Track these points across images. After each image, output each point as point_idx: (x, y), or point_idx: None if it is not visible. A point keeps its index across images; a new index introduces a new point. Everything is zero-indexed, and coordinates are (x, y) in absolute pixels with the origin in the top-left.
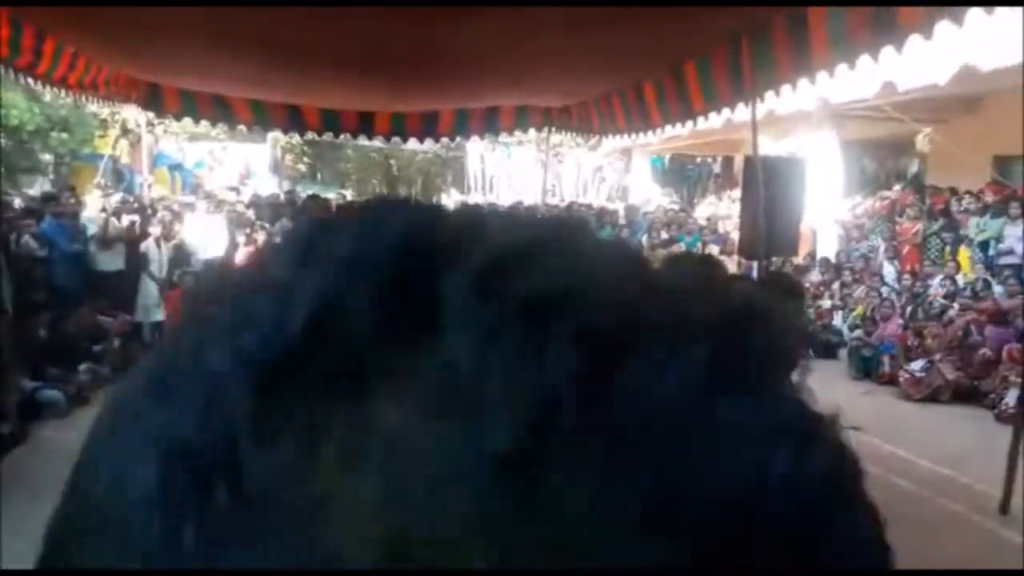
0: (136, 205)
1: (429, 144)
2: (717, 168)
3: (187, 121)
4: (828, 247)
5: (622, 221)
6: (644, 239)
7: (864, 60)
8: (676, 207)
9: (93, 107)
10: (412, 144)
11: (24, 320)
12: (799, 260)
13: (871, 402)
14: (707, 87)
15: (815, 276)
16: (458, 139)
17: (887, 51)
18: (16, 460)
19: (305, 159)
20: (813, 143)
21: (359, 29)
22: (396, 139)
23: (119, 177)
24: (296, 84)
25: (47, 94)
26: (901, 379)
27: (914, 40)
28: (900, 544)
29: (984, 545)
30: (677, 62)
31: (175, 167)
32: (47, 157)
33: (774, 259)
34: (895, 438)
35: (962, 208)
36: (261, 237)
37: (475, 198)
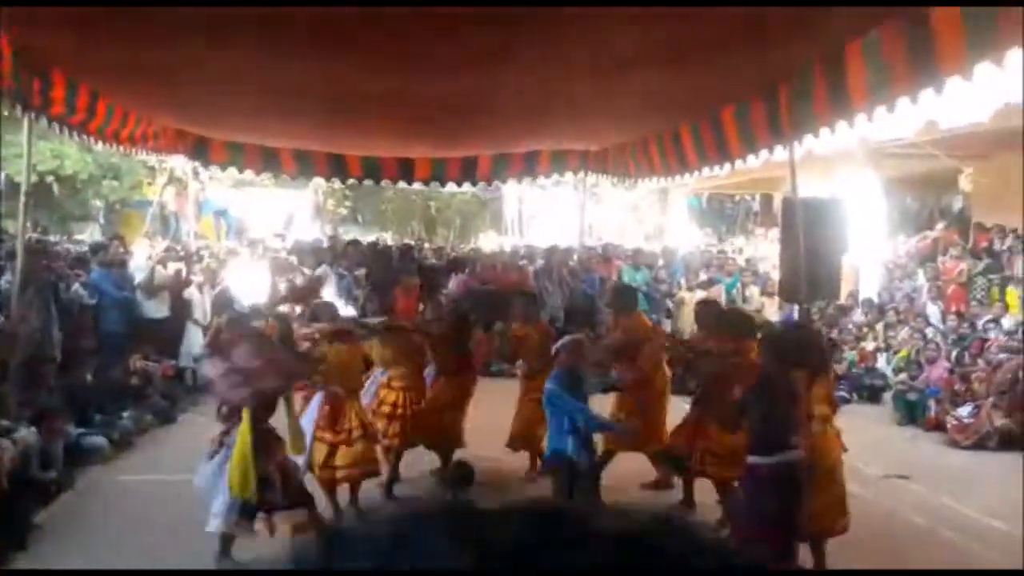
0: (181, 253)
1: (467, 186)
2: (756, 206)
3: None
4: (871, 287)
5: (660, 263)
6: (682, 280)
7: (903, 102)
8: (714, 248)
9: (141, 155)
10: (451, 187)
11: (71, 367)
12: (841, 300)
13: (918, 449)
14: (745, 133)
15: (858, 317)
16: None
17: (926, 93)
18: (61, 505)
19: (346, 202)
20: (853, 181)
21: (400, 81)
22: (435, 184)
23: (166, 224)
24: (339, 134)
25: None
26: (948, 425)
27: (953, 82)
28: None
29: None
30: (715, 109)
31: (220, 213)
32: (98, 204)
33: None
34: (944, 487)
35: (1005, 247)
36: (300, 280)
37: (512, 239)
